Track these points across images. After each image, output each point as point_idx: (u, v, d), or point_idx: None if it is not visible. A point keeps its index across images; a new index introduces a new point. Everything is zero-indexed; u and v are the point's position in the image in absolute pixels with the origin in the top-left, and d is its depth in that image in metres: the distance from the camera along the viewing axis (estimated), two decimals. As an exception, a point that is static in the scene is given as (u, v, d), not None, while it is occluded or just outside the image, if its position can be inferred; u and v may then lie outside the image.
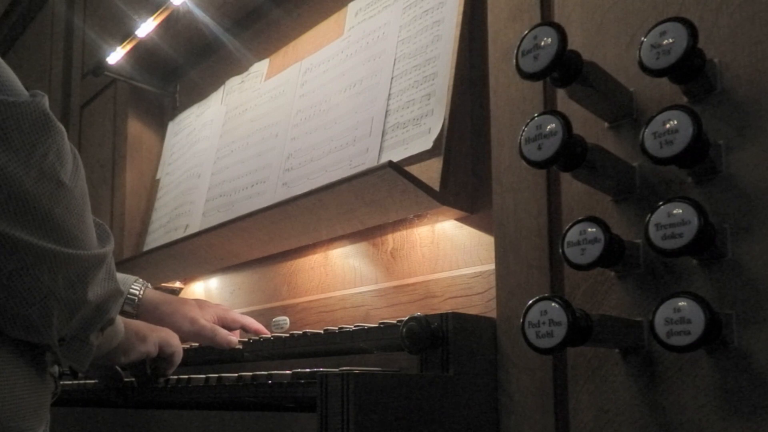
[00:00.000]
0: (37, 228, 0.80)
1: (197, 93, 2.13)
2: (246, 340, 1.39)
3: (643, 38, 0.78)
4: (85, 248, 0.86)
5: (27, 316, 0.83)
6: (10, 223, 0.78)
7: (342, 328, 1.17)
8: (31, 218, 0.79)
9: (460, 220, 1.27)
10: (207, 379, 1.12)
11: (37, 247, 0.80)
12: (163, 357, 1.25)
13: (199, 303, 1.44)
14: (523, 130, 0.82)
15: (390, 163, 1.14)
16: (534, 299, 0.79)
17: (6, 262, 0.79)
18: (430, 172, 1.23)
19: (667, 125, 0.75)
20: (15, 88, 0.79)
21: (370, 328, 1.09)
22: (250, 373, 1.04)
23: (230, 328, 1.42)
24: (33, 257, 0.80)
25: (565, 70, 0.82)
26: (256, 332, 1.45)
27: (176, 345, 1.27)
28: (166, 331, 1.27)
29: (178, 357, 1.28)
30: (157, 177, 2.18)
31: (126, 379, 1.32)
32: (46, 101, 0.81)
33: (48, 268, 0.82)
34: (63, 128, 0.83)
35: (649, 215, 0.75)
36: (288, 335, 1.27)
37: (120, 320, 1.11)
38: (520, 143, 0.83)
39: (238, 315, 1.48)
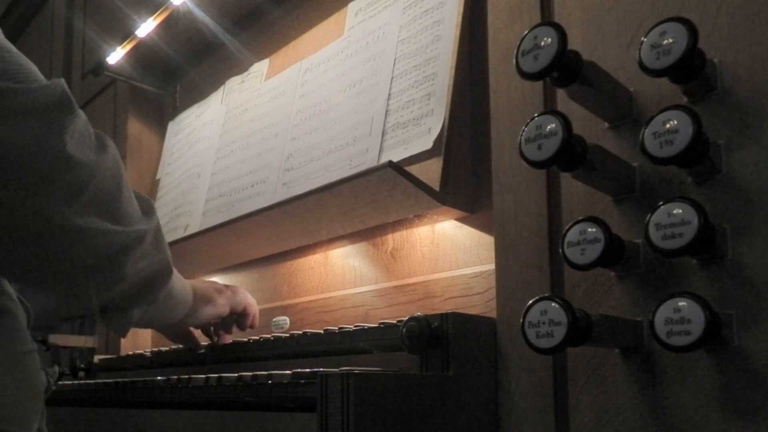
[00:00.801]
0: (75, 206, 0.82)
1: (197, 93, 2.13)
2: (246, 340, 1.39)
3: (643, 38, 0.78)
4: (122, 224, 0.88)
5: (69, 289, 0.88)
6: (50, 203, 0.80)
7: (342, 328, 1.17)
8: (67, 196, 0.81)
9: (460, 220, 1.27)
10: (207, 379, 1.12)
11: (77, 225, 0.82)
12: (236, 314, 1.32)
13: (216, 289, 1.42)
14: (523, 130, 0.82)
15: (390, 163, 1.14)
16: (534, 299, 0.79)
17: (49, 243, 0.82)
18: (430, 172, 1.23)
19: (667, 125, 0.75)
20: (29, 76, 0.78)
21: (370, 328, 1.09)
22: (250, 373, 1.04)
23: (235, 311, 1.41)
24: (73, 236, 0.83)
25: (565, 70, 0.82)
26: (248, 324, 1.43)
27: (244, 301, 1.33)
28: (232, 289, 1.32)
29: (251, 309, 1.34)
30: (157, 177, 2.18)
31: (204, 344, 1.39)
32: (59, 86, 0.81)
33: (86, 244, 0.84)
34: (80, 111, 0.84)
35: (649, 215, 0.75)
36: (288, 335, 1.27)
37: (189, 289, 1.18)
38: (520, 143, 0.83)
39: (244, 304, 1.40)
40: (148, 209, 0.96)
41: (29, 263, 0.84)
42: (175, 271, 1.08)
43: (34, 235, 0.81)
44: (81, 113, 0.84)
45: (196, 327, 1.30)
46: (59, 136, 0.78)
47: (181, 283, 1.16)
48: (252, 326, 1.38)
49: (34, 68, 0.80)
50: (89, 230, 0.83)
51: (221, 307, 1.29)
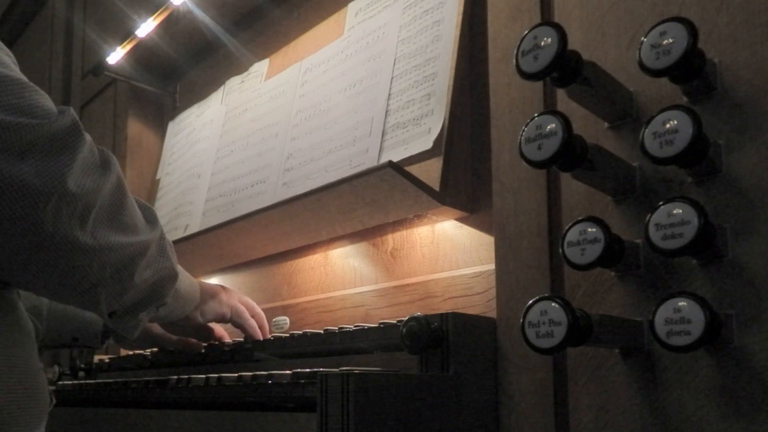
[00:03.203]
0: (85, 227, 0.86)
1: (197, 93, 2.13)
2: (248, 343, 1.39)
3: (643, 38, 0.78)
4: (128, 235, 0.93)
5: (79, 300, 0.94)
6: (62, 228, 0.84)
7: (342, 328, 1.17)
8: (77, 221, 0.85)
9: (460, 220, 1.27)
10: (207, 379, 1.12)
11: (90, 246, 0.87)
12: (236, 323, 1.36)
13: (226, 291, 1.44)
14: (523, 130, 0.82)
15: (390, 163, 1.14)
16: (534, 299, 0.79)
17: (60, 262, 0.85)
18: (430, 172, 1.23)
19: (667, 125, 0.75)
20: (34, 110, 0.82)
21: (370, 328, 1.09)
22: (250, 373, 1.04)
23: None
24: (82, 254, 0.87)
25: (565, 70, 0.82)
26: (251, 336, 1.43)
27: (245, 315, 1.36)
28: (242, 301, 1.38)
29: (247, 325, 1.36)
30: (157, 177, 2.18)
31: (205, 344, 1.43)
32: (68, 118, 0.85)
33: (95, 261, 0.89)
34: (86, 137, 0.88)
35: (649, 215, 0.75)
36: (288, 335, 1.27)
37: (197, 285, 1.23)
38: (520, 143, 0.83)
39: (243, 324, 1.42)
40: (151, 218, 1.01)
41: (44, 279, 0.88)
42: (181, 270, 1.11)
43: (48, 255, 0.85)
44: (87, 138, 0.88)
45: (203, 323, 1.33)
46: (62, 176, 0.82)
47: (188, 281, 1.19)
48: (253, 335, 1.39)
49: (44, 99, 0.84)
50: (100, 248, 0.88)
51: (225, 307, 1.33)
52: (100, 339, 1.43)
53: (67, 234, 0.84)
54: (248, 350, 1.34)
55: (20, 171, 0.79)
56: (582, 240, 0.81)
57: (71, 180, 0.83)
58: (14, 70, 0.83)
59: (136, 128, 2.25)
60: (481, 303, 1.18)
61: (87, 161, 0.86)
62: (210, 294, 1.30)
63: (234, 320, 1.36)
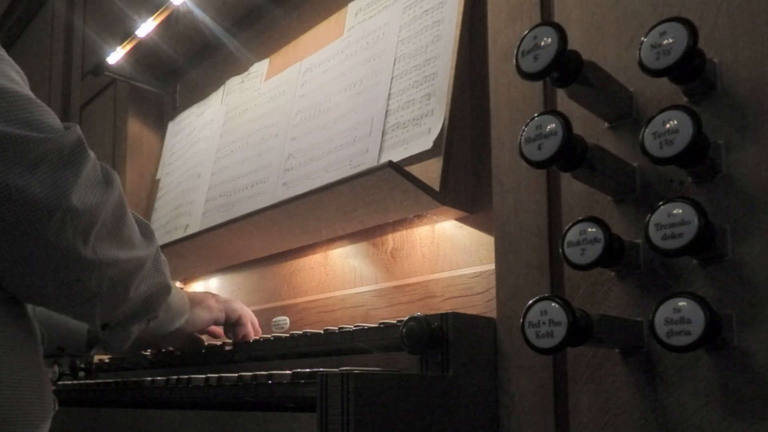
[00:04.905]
0: (88, 241, 0.88)
1: (197, 93, 2.13)
2: (246, 340, 1.39)
3: (643, 38, 0.78)
4: (126, 250, 0.95)
5: (74, 311, 0.96)
6: (66, 240, 0.85)
7: (342, 328, 1.17)
8: (80, 234, 0.87)
9: (460, 220, 1.27)
10: (207, 379, 1.12)
11: (90, 259, 0.89)
12: (230, 323, 1.36)
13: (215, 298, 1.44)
14: (523, 130, 0.82)
15: (390, 163, 1.14)
16: (534, 299, 0.79)
17: (63, 274, 0.87)
18: (430, 172, 1.23)
19: (667, 125, 0.75)
20: (41, 125, 0.83)
21: (370, 328, 1.09)
22: (250, 373, 1.04)
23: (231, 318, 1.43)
24: (83, 268, 0.88)
25: (565, 70, 0.82)
26: (245, 337, 1.43)
27: (239, 310, 1.38)
28: (228, 299, 1.39)
29: (245, 319, 1.38)
30: (157, 177, 2.18)
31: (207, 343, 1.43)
32: (74, 134, 0.86)
33: (95, 275, 0.90)
34: (90, 154, 0.88)
35: (649, 215, 0.75)
36: (288, 335, 1.27)
37: (186, 298, 1.24)
38: (520, 143, 0.83)
39: (239, 313, 1.42)
40: (148, 233, 1.02)
41: (43, 290, 0.89)
42: (172, 284, 1.13)
43: (50, 267, 0.86)
44: (91, 155, 0.89)
45: (194, 332, 1.34)
46: (67, 191, 0.83)
47: (179, 294, 1.21)
48: (247, 337, 1.39)
49: (50, 115, 0.85)
50: (101, 263, 0.90)
51: (217, 311, 1.33)
52: (85, 347, 1.43)
53: (69, 248, 0.85)
54: (249, 350, 1.34)
55: (27, 184, 0.80)
56: (582, 240, 0.81)
57: (75, 195, 0.84)
58: (23, 87, 0.84)
59: (136, 128, 2.25)
60: (481, 303, 1.18)
61: (91, 177, 0.87)
62: (197, 302, 1.31)
63: (228, 321, 1.37)
